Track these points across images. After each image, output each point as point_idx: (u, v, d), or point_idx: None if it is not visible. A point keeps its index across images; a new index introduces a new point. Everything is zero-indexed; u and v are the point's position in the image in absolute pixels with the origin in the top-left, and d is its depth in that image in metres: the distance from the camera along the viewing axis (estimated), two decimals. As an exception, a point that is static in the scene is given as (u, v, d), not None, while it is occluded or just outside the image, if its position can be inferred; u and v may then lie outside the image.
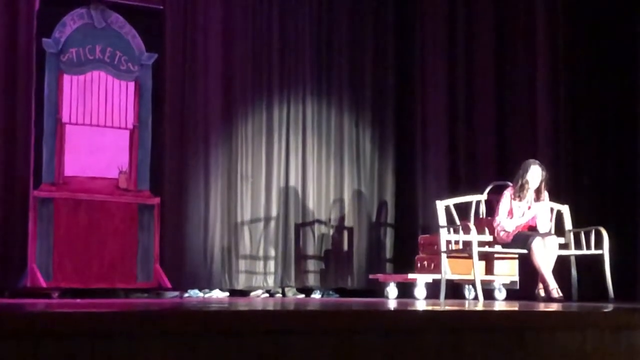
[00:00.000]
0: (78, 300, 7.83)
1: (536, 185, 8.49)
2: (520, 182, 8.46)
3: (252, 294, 10.35)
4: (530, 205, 8.50)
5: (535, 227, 8.56)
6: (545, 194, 8.59)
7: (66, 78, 8.76)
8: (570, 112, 9.86)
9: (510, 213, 8.44)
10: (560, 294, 8.20)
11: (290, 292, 10.60)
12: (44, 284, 8.37)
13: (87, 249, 8.69)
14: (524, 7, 10.19)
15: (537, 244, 8.21)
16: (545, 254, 8.26)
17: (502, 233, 8.49)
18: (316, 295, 10.58)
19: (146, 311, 4.55)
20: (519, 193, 8.46)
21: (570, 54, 9.86)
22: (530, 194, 8.51)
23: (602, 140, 9.68)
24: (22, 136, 8.87)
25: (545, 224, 8.57)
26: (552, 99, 9.91)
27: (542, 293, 8.38)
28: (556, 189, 9.32)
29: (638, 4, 9.45)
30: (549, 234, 8.43)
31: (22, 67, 9.02)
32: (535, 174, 8.48)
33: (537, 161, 8.62)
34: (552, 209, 8.74)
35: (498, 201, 8.57)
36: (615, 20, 9.62)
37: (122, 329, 3.94)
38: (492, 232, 8.61)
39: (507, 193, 8.50)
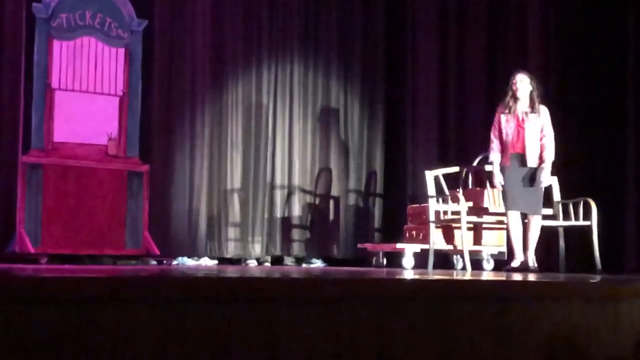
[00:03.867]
0: (66, 266, 7.84)
1: (526, 94, 8.18)
2: (507, 92, 8.20)
3: (246, 262, 10.40)
4: (523, 118, 8.15)
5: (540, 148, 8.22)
6: (540, 108, 8.20)
7: (56, 44, 8.75)
8: (559, 83, 9.88)
9: (500, 130, 8.21)
10: (522, 265, 8.11)
11: (289, 261, 10.64)
12: (32, 250, 8.38)
13: (75, 215, 8.70)
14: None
15: (512, 216, 8.06)
16: (518, 228, 8.09)
17: (491, 153, 8.28)
18: (305, 264, 10.61)
19: (134, 277, 4.55)
20: (508, 104, 8.18)
21: (560, 37, 9.90)
22: (522, 105, 8.19)
23: (591, 116, 9.70)
24: (10, 101, 8.85)
25: (534, 143, 8.14)
26: (542, 65, 9.93)
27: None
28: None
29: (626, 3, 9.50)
30: (535, 210, 8.15)
31: (10, 32, 8.99)
32: (521, 81, 8.18)
33: (525, 71, 8.40)
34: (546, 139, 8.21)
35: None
36: (605, 14, 9.66)
37: (110, 295, 3.94)
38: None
39: (498, 109, 8.29)
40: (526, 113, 8.14)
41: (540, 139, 8.11)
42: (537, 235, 8.14)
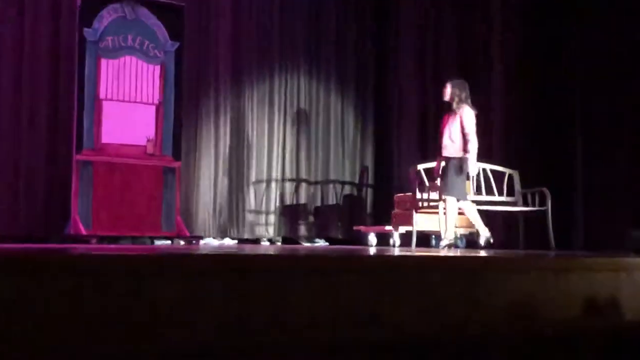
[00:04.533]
0: (112, 245, 7.85)
1: (449, 99, 8.05)
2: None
3: (261, 242, 10.41)
4: (448, 119, 8.05)
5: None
6: (460, 109, 7.95)
7: (103, 61, 8.74)
8: (520, 96, 9.87)
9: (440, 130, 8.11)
10: (449, 245, 8.03)
11: (320, 242, 10.63)
12: (84, 232, 8.38)
13: (120, 203, 8.69)
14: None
15: (449, 200, 7.90)
16: (454, 211, 7.94)
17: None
18: (309, 243, 10.62)
19: (169, 254, 4.57)
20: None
21: (518, 43, 9.88)
22: (449, 108, 8.08)
23: (545, 119, 9.70)
24: (66, 110, 8.86)
25: (455, 138, 7.93)
26: (504, 78, 9.92)
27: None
28: (507, 159, 9.36)
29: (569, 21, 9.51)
30: (463, 197, 7.95)
31: (65, 53, 9.00)
32: (445, 88, 8.09)
33: (452, 79, 8.21)
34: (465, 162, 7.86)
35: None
36: (554, 35, 9.67)
37: (149, 268, 3.95)
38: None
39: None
40: (449, 114, 8.03)
41: (463, 136, 7.91)
42: (472, 217, 8.00)
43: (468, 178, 8.03)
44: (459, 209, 7.96)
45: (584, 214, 9.29)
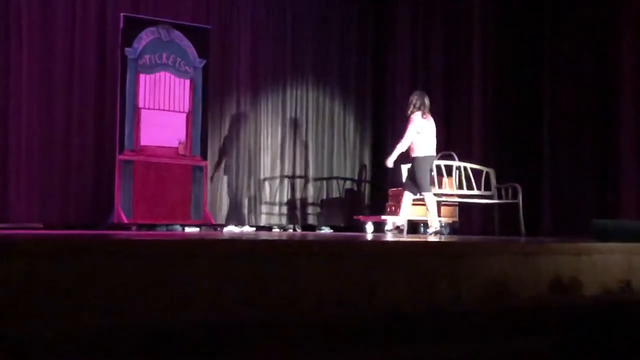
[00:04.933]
0: (149, 232, 7.88)
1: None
2: None
3: (275, 229, 10.43)
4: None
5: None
6: (411, 113, 7.89)
7: (142, 76, 8.75)
8: (495, 102, 9.88)
9: None
10: (397, 229, 8.06)
11: (325, 229, 10.62)
12: (125, 221, 8.41)
13: (156, 196, 8.71)
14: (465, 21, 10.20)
15: (406, 193, 7.92)
16: (409, 203, 7.93)
17: None
18: (317, 230, 10.64)
19: (198, 239, 4.58)
20: None
21: (495, 56, 9.88)
22: None
23: (519, 122, 9.71)
24: (110, 117, 8.88)
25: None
26: (481, 86, 9.92)
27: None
28: (485, 158, 9.37)
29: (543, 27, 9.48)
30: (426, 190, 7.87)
31: (110, 69, 9.02)
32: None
33: (414, 92, 8.14)
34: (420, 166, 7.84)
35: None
36: (526, 45, 9.66)
37: (181, 251, 3.96)
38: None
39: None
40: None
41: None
42: (430, 208, 7.86)
43: (431, 172, 7.97)
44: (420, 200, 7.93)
45: (551, 205, 9.30)
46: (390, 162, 7.99)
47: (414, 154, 7.86)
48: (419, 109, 7.89)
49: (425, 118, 7.89)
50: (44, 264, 3.46)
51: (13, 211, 8.49)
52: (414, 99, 7.95)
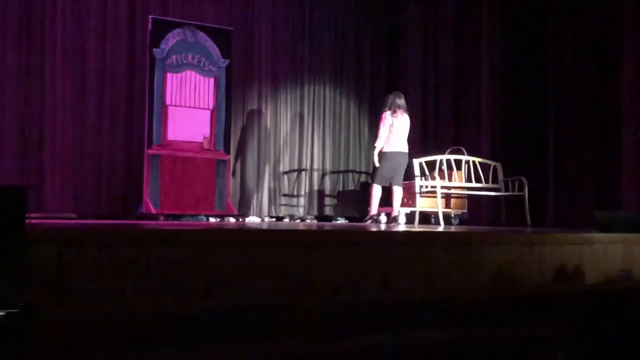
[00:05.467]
0: (176, 222, 7.92)
1: None
2: None
3: (294, 219, 10.45)
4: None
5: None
6: (383, 111, 8.39)
7: (169, 75, 8.77)
8: (502, 103, 9.84)
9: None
10: (372, 219, 8.34)
11: (341, 220, 10.65)
12: (153, 211, 8.45)
13: (182, 188, 8.74)
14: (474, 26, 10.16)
15: (375, 186, 8.28)
16: (378, 195, 8.29)
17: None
18: (333, 221, 10.64)
19: (221, 228, 4.61)
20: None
21: (501, 60, 9.84)
22: None
23: (525, 121, 9.67)
24: (139, 113, 8.92)
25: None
26: (490, 89, 9.90)
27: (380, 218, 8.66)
28: (492, 152, 9.35)
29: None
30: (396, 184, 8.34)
31: (139, 68, 9.06)
32: None
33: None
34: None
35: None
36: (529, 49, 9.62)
37: (206, 239, 3.98)
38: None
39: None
40: None
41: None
42: (372, 199, 8.30)
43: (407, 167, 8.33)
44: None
45: (555, 197, 9.26)
46: (376, 161, 8.39)
47: (382, 149, 8.24)
48: (389, 107, 8.28)
49: (394, 116, 8.22)
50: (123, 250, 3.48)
51: (48, 202, 8.57)
52: (388, 98, 8.40)
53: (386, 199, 8.61)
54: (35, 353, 2.90)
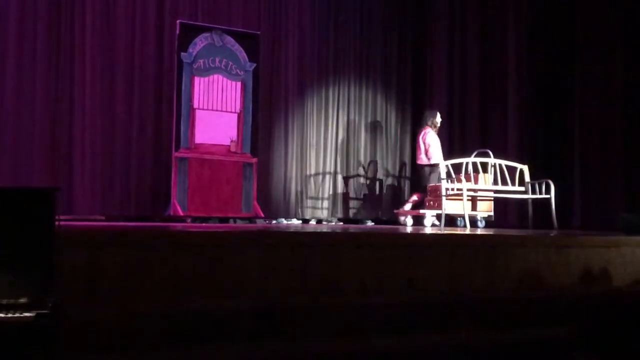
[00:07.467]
0: (203, 224, 7.96)
1: None
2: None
3: (317, 221, 10.45)
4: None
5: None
6: (423, 128, 9.52)
7: (196, 79, 8.82)
8: (528, 105, 9.78)
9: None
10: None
11: (369, 222, 10.66)
12: (181, 213, 8.49)
13: (209, 191, 8.77)
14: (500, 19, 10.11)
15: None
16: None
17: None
18: (359, 224, 10.63)
19: (248, 231, 4.64)
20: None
21: (528, 62, 9.78)
22: None
23: (552, 124, 9.60)
24: (168, 117, 8.98)
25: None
26: (518, 94, 9.84)
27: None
28: (519, 155, 9.30)
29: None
30: None
31: (167, 72, 9.12)
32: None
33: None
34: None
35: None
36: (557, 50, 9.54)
37: (232, 241, 4.01)
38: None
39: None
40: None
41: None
42: None
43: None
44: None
45: (581, 201, 9.19)
46: (427, 172, 9.54)
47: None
48: (426, 123, 9.54)
49: (434, 131, 9.50)
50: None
51: (77, 204, 8.64)
52: (425, 116, 9.64)
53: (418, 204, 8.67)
54: (66, 353, 2.94)
